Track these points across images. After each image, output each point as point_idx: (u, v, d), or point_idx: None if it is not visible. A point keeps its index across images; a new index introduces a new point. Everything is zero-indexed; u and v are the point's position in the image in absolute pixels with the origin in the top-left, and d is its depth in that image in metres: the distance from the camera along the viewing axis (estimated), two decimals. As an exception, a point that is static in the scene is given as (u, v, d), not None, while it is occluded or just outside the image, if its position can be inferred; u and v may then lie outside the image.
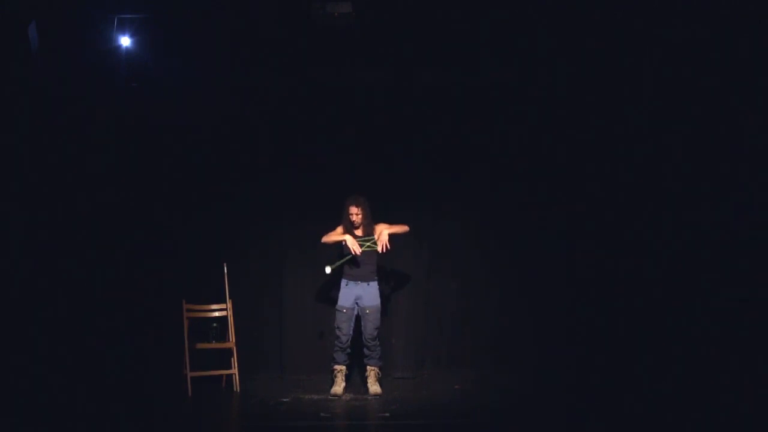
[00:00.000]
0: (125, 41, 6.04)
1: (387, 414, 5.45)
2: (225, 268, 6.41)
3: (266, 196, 6.83)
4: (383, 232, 6.08)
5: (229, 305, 6.38)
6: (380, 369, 6.21)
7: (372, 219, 6.21)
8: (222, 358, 6.35)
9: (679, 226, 5.89)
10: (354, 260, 6.08)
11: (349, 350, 6.15)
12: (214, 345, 6.26)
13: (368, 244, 6.07)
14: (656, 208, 6.14)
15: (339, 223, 6.21)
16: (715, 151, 5.59)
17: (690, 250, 5.74)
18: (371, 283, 6.16)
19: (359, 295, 6.14)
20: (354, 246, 6.00)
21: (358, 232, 6.18)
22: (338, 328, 6.13)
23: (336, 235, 6.14)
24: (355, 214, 6.12)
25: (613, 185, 6.54)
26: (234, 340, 6.30)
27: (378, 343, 6.18)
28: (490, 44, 6.40)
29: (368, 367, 6.18)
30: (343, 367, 6.16)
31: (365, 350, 6.17)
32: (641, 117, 6.27)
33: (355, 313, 6.16)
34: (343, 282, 6.20)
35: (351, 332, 6.14)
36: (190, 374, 6.08)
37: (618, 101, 6.43)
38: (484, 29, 6.26)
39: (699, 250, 5.64)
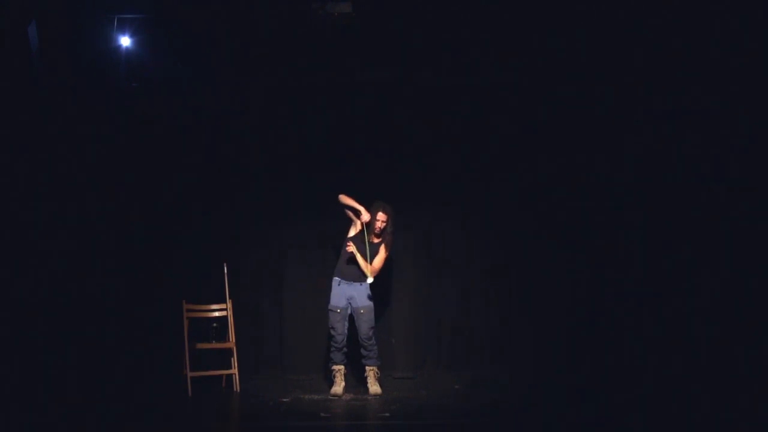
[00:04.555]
0: (125, 41, 6.05)
1: (387, 414, 5.45)
2: (225, 268, 6.40)
3: (266, 196, 6.83)
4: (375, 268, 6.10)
5: (229, 305, 6.37)
6: (379, 368, 6.19)
7: (390, 233, 6.13)
8: (222, 358, 6.35)
9: (679, 226, 5.88)
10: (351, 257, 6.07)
11: (345, 349, 6.14)
12: (214, 345, 6.26)
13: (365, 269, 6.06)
14: (658, 208, 6.13)
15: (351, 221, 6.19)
16: (720, 148, 5.58)
17: (691, 249, 5.73)
18: (363, 283, 6.13)
19: (351, 296, 6.12)
20: (351, 248, 6.00)
21: (376, 239, 6.16)
22: (333, 328, 6.12)
23: (355, 207, 6.01)
24: (382, 221, 6.07)
25: (613, 185, 6.54)
26: (234, 340, 6.30)
27: (374, 342, 6.16)
28: (490, 44, 6.40)
29: (367, 367, 6.17)
30: (342, 367, 6.14)
31: (362, 350, 6.16)
32: (642, 117, 6.26)
33: (349, 312, 6.15)
34: (335, 282, 6.18)
35: (346, 331, 6.11)
36: (190, 374, 6.07)
37: (619, 100, 6.43)
38: (484, 29, 6.26)
39: (700, 249, 5.63)
